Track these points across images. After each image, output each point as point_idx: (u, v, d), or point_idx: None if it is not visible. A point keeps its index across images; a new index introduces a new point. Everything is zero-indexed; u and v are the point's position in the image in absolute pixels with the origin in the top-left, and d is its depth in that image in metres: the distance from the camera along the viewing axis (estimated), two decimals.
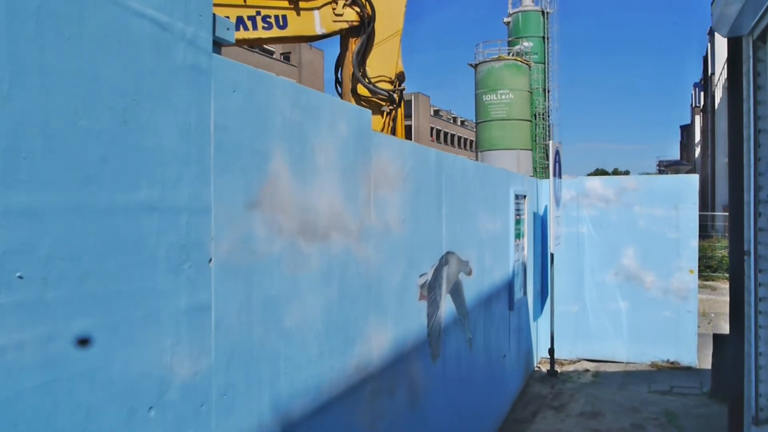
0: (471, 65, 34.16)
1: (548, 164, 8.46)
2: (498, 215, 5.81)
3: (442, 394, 4.08)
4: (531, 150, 34.42)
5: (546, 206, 8.36)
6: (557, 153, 8.05)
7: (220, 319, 1.86)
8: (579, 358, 8.53)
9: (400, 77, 6.54)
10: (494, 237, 5.66)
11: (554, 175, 7.96)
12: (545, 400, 6.83)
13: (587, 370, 8.06)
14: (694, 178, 8.33)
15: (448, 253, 4.21)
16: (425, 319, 3.74)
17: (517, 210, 6.72)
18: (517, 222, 6.70)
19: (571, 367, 8.23)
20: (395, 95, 6.43)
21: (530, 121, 34.59)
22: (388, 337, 3.18)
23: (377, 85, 6.42)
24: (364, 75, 6.35)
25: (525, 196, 7.15)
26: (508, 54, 34.63)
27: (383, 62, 6.46)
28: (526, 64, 34.02)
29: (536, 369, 8.14)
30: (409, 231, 3.46)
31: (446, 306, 4.18)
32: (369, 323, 2.95)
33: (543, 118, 35.92)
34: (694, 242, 8.09)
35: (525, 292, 7.17)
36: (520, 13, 37.13)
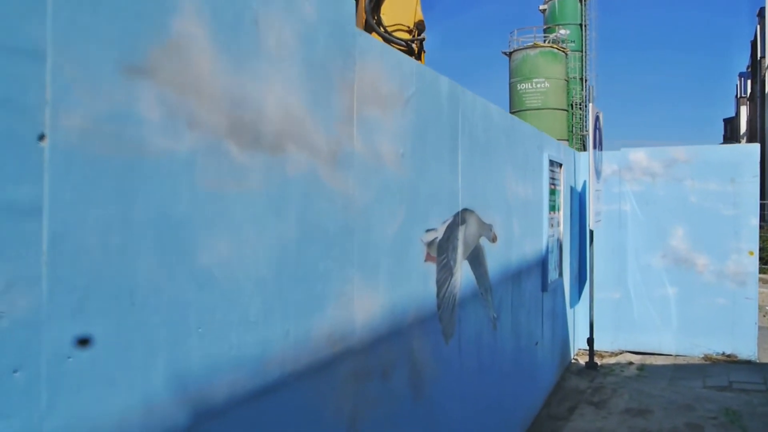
0: (505, 53, 33.10)
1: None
2: (529, 180, 5.02)
3: (457, 382, 3.32)
4: (567, 141, 33.21)
5: (585, 181, 7.52)
6: (597, 120, 7.18)
7: (62, 233, 1.16)
8: (621, 349, 7.65)
9: (420, 26, 5.77)
10: (525, 204, 4.87)
11: (594, 145, 7.10)
12: (584, 395, 6.00)
13: (631, 363, 7.18)
14: (755, 148, 7.38)
15: (465, 210, 3.45)
16: (434, 287, 3.00)
17: (552, 179, 5.91)
18: (552, 193, 5.89)
19: (612, 360, 7.37)
20: (414, 45, 5.66)
21: (567, 110, 33.39)
22: (380, 302, 2.44)
23: (394, 34, 5.65)
24: (379, 23, 5.59)
25: (561, 165, 6.32)
26: (544, 42, 33.47)
27: (400, 10, 5.70)
28: (563, 52, 32.82)
29: (573, 361, 7.30)
30: (410, 171, 2.72)
31: (463, 274, 3.42)
32: (350, 280, 2.22)
33: (580, 108, 34.67)
34: (755, 220, 7.14)
35: (560, 273, 6.35)
36: (556, 0, 35.89)
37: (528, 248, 4.99)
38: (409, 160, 2.72)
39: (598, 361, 7.19)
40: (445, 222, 3.15)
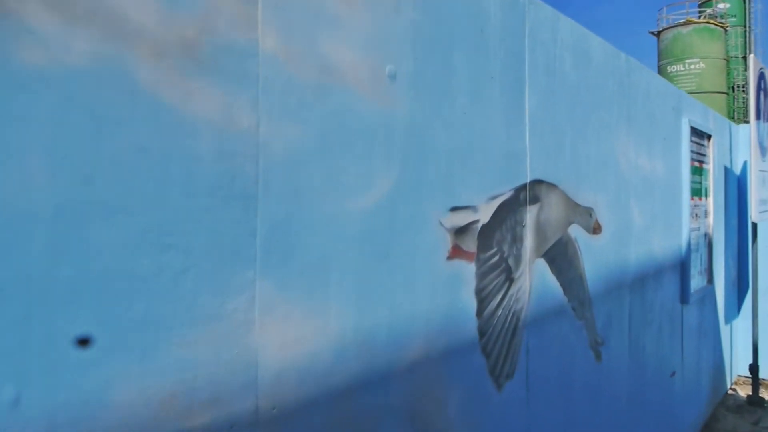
0: (653, 33, 29.95)
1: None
2: (659, 151, 3.64)
3: None
4: None
5: (745, 160, 5.83)
6: (762, 78, 5.49)
7: None
8: None
9: None
10: (650, 183, 3.51)
11: (758, 114, 5.41)
12: None
13: None
14: None
15: (539, 183, 2.26)
16: (471, 300, 1.86)
17: (698, 154, 4.43)
18: (697, 172, 4.41)
19: None
20: None
21: (726, 93, 29.59)
22: (335, 329, 1.38)
23: None
24: None
25: (710, 137, 4.79)
26: (699, 17, 29.91)
27: None
28: (722, 28, 29.09)
29: (730, 392, 5.65)
30: (410, 105, 1.62)
31: (536, 280, 2.24)
32: (241, 291, 1.18)
33: (743, 91, 30.61)
34: None
35: (710, 279, 4.81)
36: None
37: (657, 244, 3.61)
38: (409, 86, 1.62)
39: (765, 394, 5.49)
40: (494, 198, 1.99)
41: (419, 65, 1.66)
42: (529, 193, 2.19)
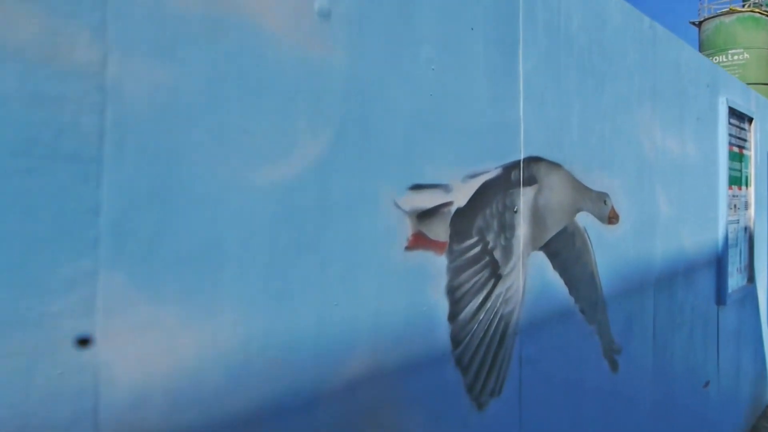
0: (693, 23, 28.83)
1: None
2: (690, 132, 3.21)
3: None
4: None
5: None
6: None
7: None
8: None
9: None
10: (680, 169, 3.09)
11: None
12: None
13: None
14: None
15: (535, 160, 1.89)
16: (439, 302, 1.51)
17: (737, 138, 3.97)
18: (736, 158, 3.95)
19: None
20: None
21: None
22: (235, 337, 1.04)
23: None
24: None
25: (752, 121, 4.31)
26: (743, 6, 28.71)
27: None
28: (767, 16, 27.84)
29: None
30: (352, 53, 1.28)
31: (533, 277, 1.87)
32: (77, 282, 0.85)
33: None
34: None
35: (751, 278, 4.34)
36: None
37: (688, 237, 3.19)
38: (350, 28, 1.27)
39: None
40: (475, 176, 1.63)
41: (366, 2, 1.31)
42: (524, 172, 1.82)
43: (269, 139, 1.11)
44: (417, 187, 1.44)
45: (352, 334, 1.26)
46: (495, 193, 1.70)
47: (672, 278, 2.97)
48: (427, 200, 1.47)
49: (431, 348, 1.47)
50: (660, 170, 2.82)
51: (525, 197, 1.83)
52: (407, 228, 1.41)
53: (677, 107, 3.03)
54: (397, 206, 1.38)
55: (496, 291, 1.70)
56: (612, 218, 2.35)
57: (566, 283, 2.05)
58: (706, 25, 28.56)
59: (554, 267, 1.99)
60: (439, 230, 1.50)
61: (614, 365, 2.39)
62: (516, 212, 1.79)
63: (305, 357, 1.17)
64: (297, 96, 1.16)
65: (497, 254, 1.71)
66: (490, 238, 1.68)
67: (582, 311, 2.15)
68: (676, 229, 3.02)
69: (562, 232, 2.03)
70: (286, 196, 1.14)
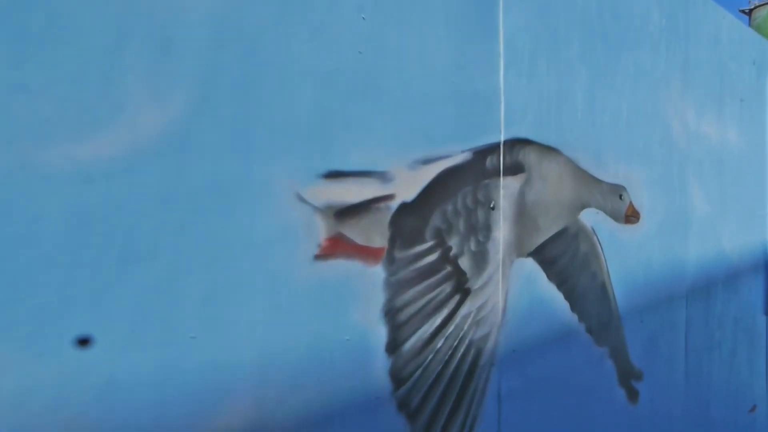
0: (744, 11, 27.53)
1: None
2: (731, 115, 2.74)
3: None
4: None
5: None
6: None
7: None
8: None
9: None
10: (719, 158, 2.62)
11: None
12: None
13: None
14: None
15: (522, 143, 1.49)
16: (372, 327, 1.13)
17: None
18: None
19: None
20: None
21: None
22: None
23: None
24: None
25: None
26: None
27: None
28: None
29: None
30: None
31: (516, 292, 1.47)
32: None
33: None
34: None
35: None
36: None
37: (730, 239, 2.72)
38: None
39: None
40: (429, 162, 1.25)
41: None
42: (505, 158, 1.43)
43: (69, 104, 0.75)
44: (335, 175, 1.06)
45: (221, 377, 0.90)
46: (461, 184, 1.31)
47: (709, 287, 2.51)
48: (352, 192, 1.09)
49: (358, 390, 1.10)
50: (694, 159, 2.37)
51: (507, 190, 1.43)
52: (319, 229, 1.04)
53: (716, 86, 2.56)
54: (302, 200, 1.01)
55: (463, 310, 1.31)
56: (630, 216, 1.93)
57: (566, 297, 1.64)
58: (757, 13, 27.19)
59: (550, 277, 1.58)
60: (372, 232, 1.12)
61: (633, 394, 1.96)
62: (493, 209, 1.39)
63: (141, 412, 0.81)
64: (122, 33, 0.80)
65: (464, 263, 1.32)
66: (454, 242, 1.29)
67: (589, 331, 1.73)
68: (714, 230, 2.55)
69: (561, 234, 1.62)
70: (102, 184, 0.78)
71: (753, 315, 2.99)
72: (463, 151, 1.32)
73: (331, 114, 1.05)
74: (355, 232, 1.09)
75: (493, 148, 1.40)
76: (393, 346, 1.16)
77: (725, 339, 2.67)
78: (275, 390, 0.97)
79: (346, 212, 1.08)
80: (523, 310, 1.48)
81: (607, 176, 1.82)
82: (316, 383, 1.03)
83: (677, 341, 2.27)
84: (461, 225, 1.31)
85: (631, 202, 1.92)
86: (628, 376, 1.93)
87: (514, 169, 1.45)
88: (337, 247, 1.06)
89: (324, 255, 1.04)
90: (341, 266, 1.06)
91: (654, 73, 2.08)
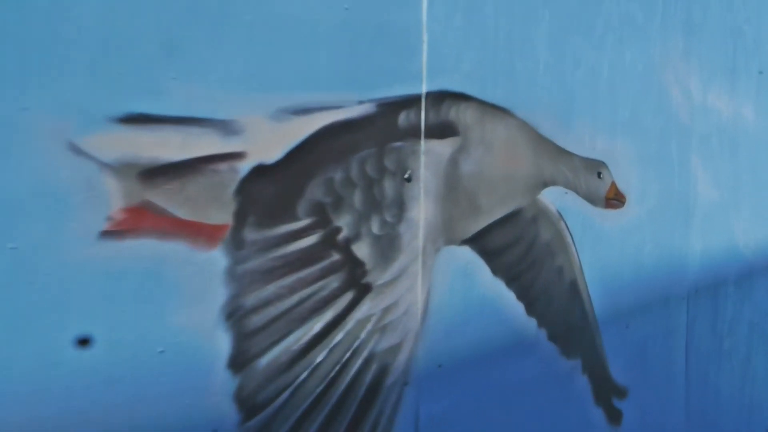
0: None
1: None
2: (748, 88, 2.36)
3: None
4: None
5: None
6: None
7: None
8: None
9: None
10: (731, 136, 2.25)
11: None
12: None
13: None
14: None
15: (456, 98, 1.16)
16: (202, 337, 0.81)
17: None
18: None
19: None
20: None
21: None
22: None
23: None
24: None
25: None
26: None
27: None
28: None
29: None
30: None
31: (441, 289, 1.14)
32: None
33: None
34: None
35: None
36: None
37: (743, 231, 2.34)
38: None
39: None
40: (305, 113, 0.93)
41: None
42: (429, 115, 1.10)
43: None
44: (141, 120, 0.75)
45: None
46: (358, 145, 0.99)
47: (717, 286, 2.15)
48: (171, 146, 0.78)
49: (179, 421, 0.78)
50: (699, 136, 2.00)
51: (430, 157, 1.10)
52: (110, 195, 0.73)
53: (727, 52, 2.19)
54: (80, 152, 0.70)
55: (358, 312, 0.99)
56: (612, 200, 1.58)
57: (520, 297, 1.31)
58: None
59: (496, 272, 1.25)
60: (204, 204, 0.81)
61: (614, 415, 1.62)
62: (408, 180, 1.07)
63: None
64: None
65: (361, 250, 0.99)
66: (345, 221, 0.97)
67: (553, 339, 1.40)
68: (724, 220, 2.19)
69: (513, 218, 1.29)
70: None
71: None
72: (361, 102, 0.99)
73: (137, 31, 0.74)
74: (176, 201, 0.78)
75: (409, 102, 1.07)
76: (240, 361, 0.84)
77: (737, 347, 2.31)
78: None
79: (158, 173, 0.76)
80: (454, 312, 1.16)
81: (582, 149, 1.48)
82: (116, 417, 0.71)
83: (676, 350, 1.92)
84: (357, 199, 0.98)
85: (613, 183, 1.58)
86: (607, 394, 1.59)
87: (443, 130, 1.12)
88: (141, 220, 0.74)
89: (118, 231, 0.73)
90: (149, 248, 0.75)
91: (648, 28, 1.72)
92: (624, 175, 1.63)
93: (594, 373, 1.53)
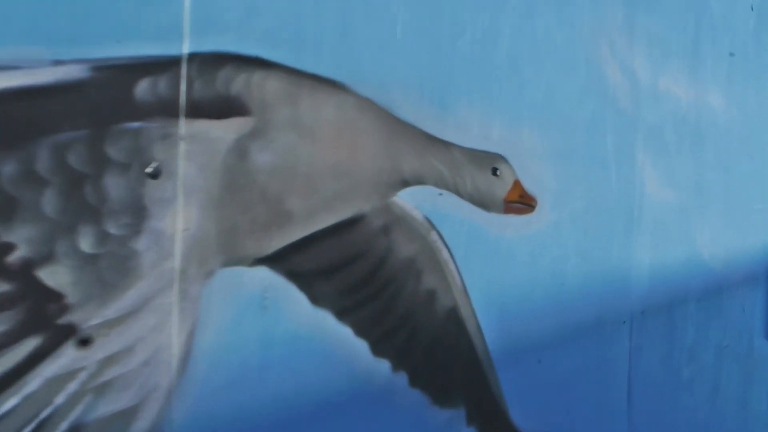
0: None
1: None
2: (714, 73, 2.02)
3: None
4: None
5: None
6: None
7: None
8: None
9: None
10: (695, 129, 1.91)
11: None
12: None
13: None
14: None
15: (245, 68, 0.84)
16: None
17: None
18: None
19: None
20: None
21: None
22: None
23: None
24: None
25: None
26: None
27: None
28: None
29: None
30: None
31: (220, 332, 0.82)
32: None
33: None
34: None
35: None
36: None
37: (711, 240, 2.00)
38: None
39: None
40: None
41: None
42: (194, 85, 0.78)
43: None
44: None
45: None
46: (46, 125, 0.67)
47: (673, 306, 1.82)
48: None
49: None
50: (647, 126, 1.67)
51: (196, 144, 0.79)
52: None
53: (688, 30, 1.86)
54: None
55: (51, 367, 0.68)
56: (515, 203, 1.26)
57: (361, 333, 0.99)
58: None
59: (318, 301, 0.93)
60: None
61: None
62: (155, 177, 0.75)
63: None
64: None
65: (53, 276, 0.68)
66: (23, 235, 0.66)
67: (418, 383, 1.07)
68: (684, 227, 1.85)
69: (348, 228, 0.97)
70: None
71: (748, 340, 2.28)
72: (58, 63, 0.68)
73: None
74: None
75: (157, 66, 0.75)
76: None
77: (701, 375, 1.97)
78: None
79: None
80: (242, 357, 0.84)
81: (467, 139, 1.15)
82: None
83: (614, 385, 1.59)
84: (48, 203, 0.67)
85: (516, 181, 1.25)
86: None
87: (220, 108, 0.81)
88: None
89: None
90: None
91: None
92: (534, 173, 1.30)
93: (485, 422, 1.21)
